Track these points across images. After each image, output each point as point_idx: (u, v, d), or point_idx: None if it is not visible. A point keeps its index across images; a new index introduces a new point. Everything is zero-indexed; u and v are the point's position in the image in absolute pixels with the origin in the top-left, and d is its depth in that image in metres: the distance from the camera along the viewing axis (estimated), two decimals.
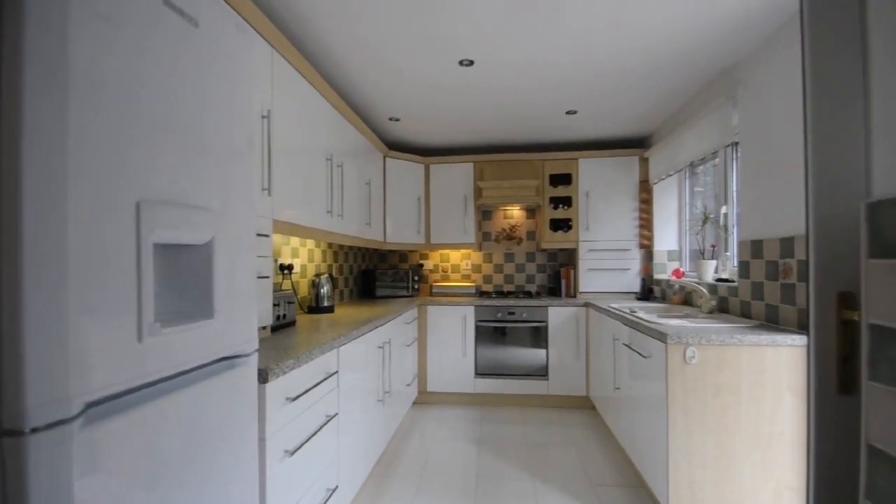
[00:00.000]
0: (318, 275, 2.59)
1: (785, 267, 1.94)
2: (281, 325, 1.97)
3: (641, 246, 3.58)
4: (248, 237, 1.17)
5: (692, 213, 3.33)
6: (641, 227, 3.58)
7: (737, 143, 2.41)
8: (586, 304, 3.36)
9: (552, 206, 3.72)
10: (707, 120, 2.55)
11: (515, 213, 4.09)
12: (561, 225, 3.74)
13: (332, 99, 2.37)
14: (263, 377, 1.23)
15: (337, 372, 1.72)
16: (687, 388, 1.81)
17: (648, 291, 3.51)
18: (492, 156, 3.76)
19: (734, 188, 2.70)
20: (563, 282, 3.78)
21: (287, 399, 1.35)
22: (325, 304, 2.58)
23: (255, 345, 1.18)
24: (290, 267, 2.47)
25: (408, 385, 3.05)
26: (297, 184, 2.00)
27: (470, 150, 3.97)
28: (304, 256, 2.70)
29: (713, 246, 2.79)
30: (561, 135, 3.57)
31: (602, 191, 3.63)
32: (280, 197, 1.82)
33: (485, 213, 4.12)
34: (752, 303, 2.19)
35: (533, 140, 3.71)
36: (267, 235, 1.69)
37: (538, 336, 3.43)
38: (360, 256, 3.80)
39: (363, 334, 2.10)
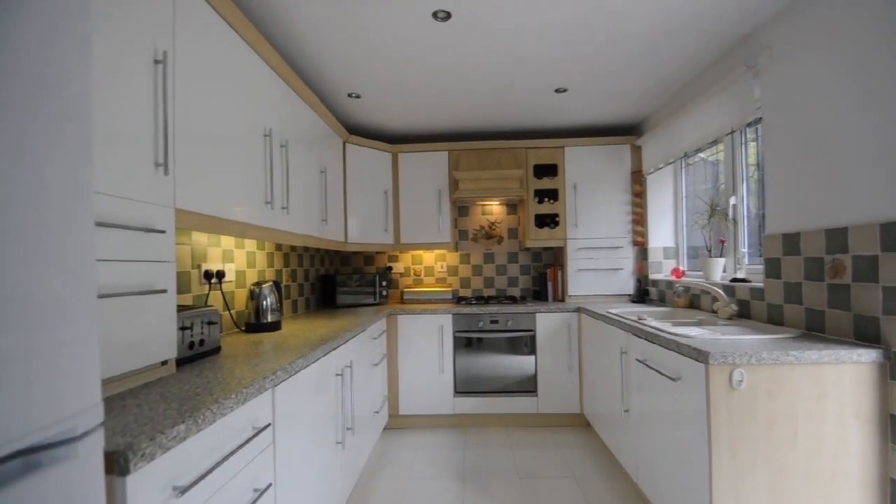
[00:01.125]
0: (258, 283, 2.06)
1: (835, 264, 1.59)
2: (196, 356, 1.44)
3: (635, 243, 3.23)
4: (84, 231, 0.66)
5: (689, 206, 3.01)
6: (635, 222, 3.24)
7: (752, 124, 2.07)
8: (578, 310, 2.98)
9: (537, 199, 3.32)
10: (721, 96, 2.20)
11: (495, 208, 3.66)
12: (547, 221, 3.34)
13: (271, 60, 1.85)
14: (121, 466, 0.72)
15: (270, 424, 1.21)
16: (734, 420, 1.42)
17: (644, 293, 3.17)
18: (469, 143, 3.32)
19: (744, 175, 2.38)
20: (550, 284, 3.39)
21: (175, 491, 0.84)
22: (269, 319, 2.05)
23: (98, 416, 0.67)
24: (219, 274, 1.93)
25: (376, 412, 2.55)
26: (217, 163, 1.48)
27: (444, 136, 3.52)
28: (240, 261, 2.16)
29: (722, 242, 2.46)
30: (547, 118, 3.18)
31: (591, 182, 3.26)
32: (186, 178, 1.30)
33: (461, 209, 3.68)
34: (784, 307, 1.84)
35: (515, 125, 3.29)
36: (162, 231, 1.17)
37: (525, 347, 3.02)
38: (317, 260, 3.26)
39: (314, 361, 1.59)
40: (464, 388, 3.02)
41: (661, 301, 2.99)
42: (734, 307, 2.10)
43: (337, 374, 1.83)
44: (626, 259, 3.24)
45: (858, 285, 1.50)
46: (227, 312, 2.01)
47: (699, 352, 1.46)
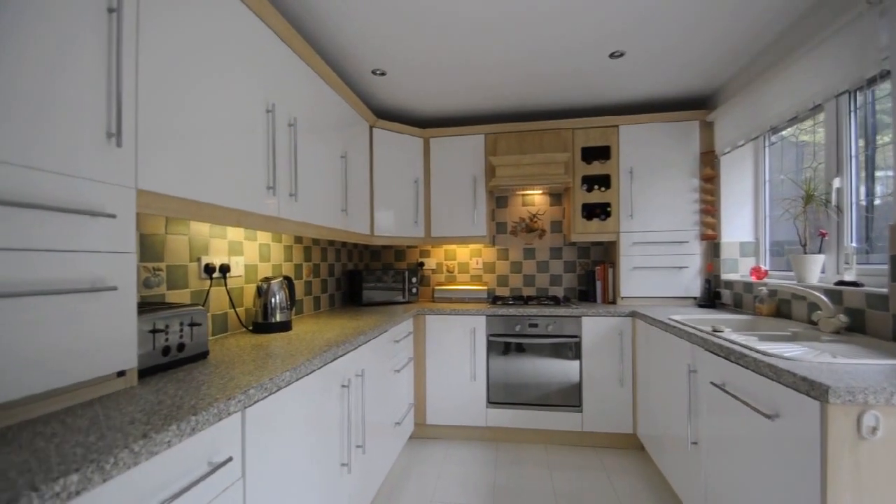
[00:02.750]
0: (266, 279, 1.86)
1: None
2: (174, 363, 1.24)
3: (704, 237, 2.76)
4: None
5: (772, 193, 2.50)
6: (704, 212, 2.76)
7: (872, 83, 1.58)
8: (632, 314, 2.57)
9: (585, 187, 2.93)
10: (828, 45, 1.72)
11: (537, 198, 3.30)
12: (596, 212, 2.94)
13: (267, 17, 1.61)
14: None
15: (232, 459, 0.98)
16: (863, 481, 1.01)
17: (714, 296, 2.69)
18: (508, 125, 2.98)
19: (852, 151, 1.88)
20: (599, 284, 2.99)
21: None
22: (277, 318, 1.85)
23: None
24: (223, 269, 1.75)
25: (397, 423, 2.30)
26: (198, 138, 1.27)
27: (480, 118, 3.20)
28: (251, 254, 1.98)
29: (823, 235, 1.97)
30: (599, 92, 2.77)
31: (650, 167, 2.81)
32: (153, 154, 1.09)
33: (499, 200, 3.35)
34: None
35: (561, 102, 2.91)
36: (112, 216, 0.96)
37: (569, 355, 2.65)
38: (344, 254, 3.07)
39: (308, 373, 1.35)
40: (498, 398, 2.71)
41: (737, 307, 2.51)
42: (843, 318, 1.64)
43: (343, 386, 1.59)
44: (693, 256, 2.77)
45: None
46: (233, 310, 1.83)
47: (811, 383, 1.06)
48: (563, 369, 2.65)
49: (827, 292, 1.78)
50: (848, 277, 1.81)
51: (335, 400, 1.54)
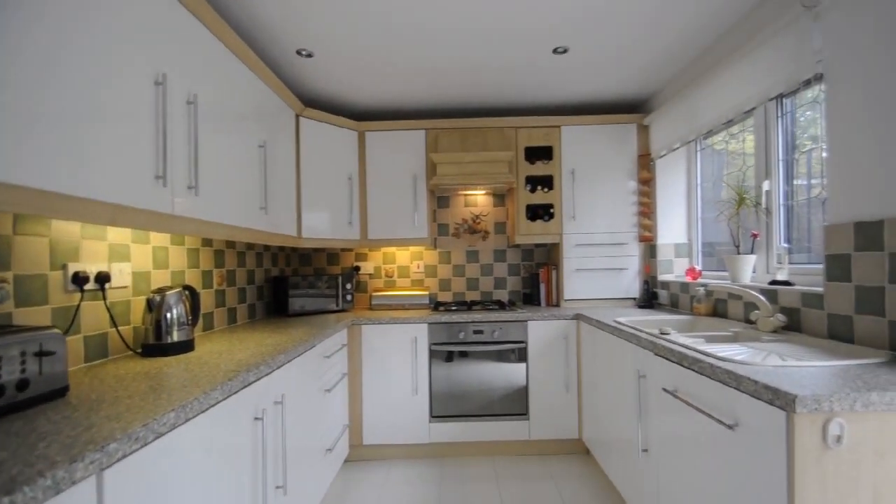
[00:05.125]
0: (160, 290, 1.53)
1: None
2: (13, 406, 0.91)
3: (641, 239, 2.79)
4: None
5: (705, 196, 2.58)
6: (641, 214, 2.79)
7: (809, 84, 1.62)
8: (577, 317, 2.51)
9: (529, 188, 2.85)
10: (764, 49, 1.75)
11: (480, 198, 3.18)
12: (540, 213, 2.87)
13: None
14: None
15: None
16: (830, 493, 0.96)
17: (652, 297, 2.72)
18: (450, 121, 2.83)
19: (779, 155, 1.95)
20: (543, 286, 2.93)
21: None
22: (174, 337, 1.52)
23: None
24: (101, 279, 1.40)
25: (329, 450, 2.04)
26: (61, 111, 0.95)
27: (421, 113, 3.01)
28: (141, 260, 1.63)
29: (754, 236, 2.02)
30: (542, 92, 2.70)
31: (592, 168, 2.80)
32: None
33: (441, 200, 3.18)
34: (855, 319, 1.40)
35: (505, 100, 2.81)
36: None
37: (515, 362, 2.54)
38: (267, 259, 2.73)
39: (204, 410, 1.08)
40: (442, 411, 2.53)
41: (674, 307, 2.55)
42: (780, 317, 1.66)
43: (257, 418, 1.31)
44: (632, 258, 2.79)
45: None
46: (115, 330, 1.48)
47: (775, 391, 1.00)
48: (509, 377, 2.53)
49: (763, 292, 1.80)
50: (780, 277, 1.85)
51: (246, 437, 1.26)
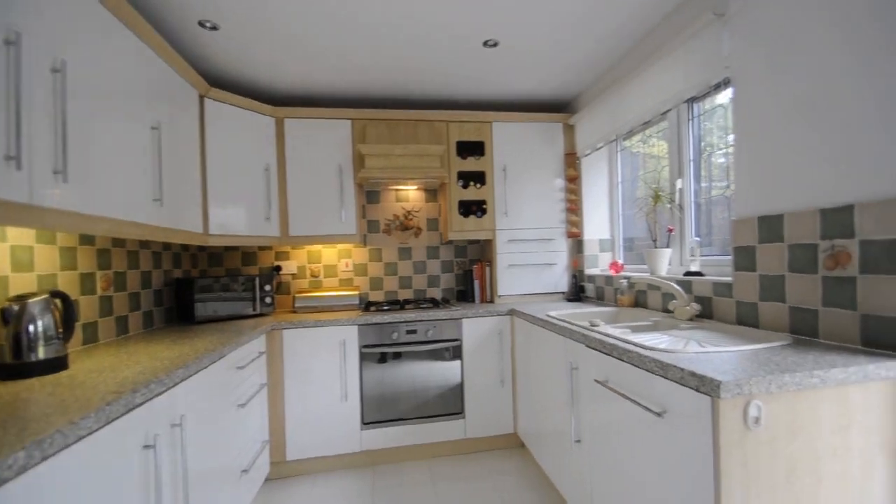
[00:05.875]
0: (19, 298, 1.24)
1: (834, 252, 1.27)
2: None
3: (569, 235, 2.87)
4: None
5: (625, 194, 2.72)
6: (569, 211, 2.87)
7: (718, 88, 1.74)
8: (511, 312, 2.52)
9: (461, 183, 2.81)
10: (677, 53, 1.85)
11: (412, 193, 3.08)
12: (473, 209, 2.84)
13: None
14: None
15: None
16: (751, 472, 1.00)
17: (579, 290, 2.82)
18: (378, 112, 2.69)
19: (690, 156, 2.09)
20: (477, 283, 2.90)
21: None
22: (41, 355, 1.24)
23: None
24: None
25: (244, 471, 1.82)
26: None
27: (347, 101, 2.84)
28: (2, 261, 1.31)
29: (670, 230, 2.15)
30: (473, 85, 2.66)
31: (522, 165, 2.83)
32: None
33: (370, 195, 3.03)
34: (760, 306, 1.52)
35: (436, 92, 2.73)
36: None
37: (450, 360, 2.48)
38: (168, 259, 2.40)
39: (69, 444, 0.87)
40: (374, 416, 2.39)
41: (600, 299, 2.65)
42: (695, 306, 1.76)
43: (147, 446, 1.10)
44: (560, 253, 2.86)
45: (868, 278, 1.18)
46: None
47: (700, 378, 1.02)
48: (444, 376, 2.47)
49: (679, 283, 1.91)
50: (693, 268, 1.98)
51: (132, 469, 1.05)
